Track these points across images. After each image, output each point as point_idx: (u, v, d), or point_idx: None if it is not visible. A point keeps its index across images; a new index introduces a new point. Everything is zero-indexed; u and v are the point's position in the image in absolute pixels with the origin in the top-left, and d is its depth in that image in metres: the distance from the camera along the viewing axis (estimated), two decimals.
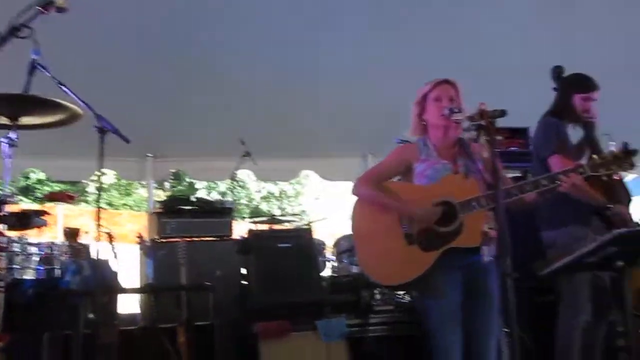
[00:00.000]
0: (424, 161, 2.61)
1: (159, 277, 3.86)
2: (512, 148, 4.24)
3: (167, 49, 4.67)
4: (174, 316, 3.46)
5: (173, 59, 4.79)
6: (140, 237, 3.94)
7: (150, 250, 3.99)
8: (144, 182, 7.13)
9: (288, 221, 5.45)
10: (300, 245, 3.68)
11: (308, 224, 5.02)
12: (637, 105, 5.60)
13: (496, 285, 2.15)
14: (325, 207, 14.09)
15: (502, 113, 2.02)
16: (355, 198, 2.72)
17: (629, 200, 3.58)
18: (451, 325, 2.45)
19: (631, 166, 2.32)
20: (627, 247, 2.11)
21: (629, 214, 3.41)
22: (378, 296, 4.38)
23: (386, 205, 2.61)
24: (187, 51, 4.72)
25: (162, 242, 4.18)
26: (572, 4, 4.50)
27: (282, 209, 16.30)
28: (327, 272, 5.08)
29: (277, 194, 17.03)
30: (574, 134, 3.70)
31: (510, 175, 4.25)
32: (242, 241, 3.85)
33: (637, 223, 3.35)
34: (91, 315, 3.01)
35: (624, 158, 2.30)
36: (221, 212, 4.42)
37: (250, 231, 3.90)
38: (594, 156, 2.37)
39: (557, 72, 3.74)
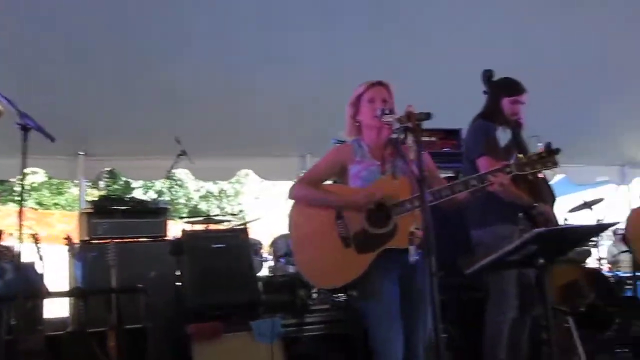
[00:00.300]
0: (358, 162, 2.62)
1: (88, 280, 3.74)
2: (446, 149, 4.35)
3: (99, 45, 4.52)
4: (103, 320, 3.37)
5: (106, 55, 4.64)
6: (68, 238, 3.80)
7: (80, 252, 3.86)
8: (77, 181, 6.88)
9: (224, 221, 5.39)
10: (235, 245, 3.65)
11: (243, 224, 4.98)
12: (561, 107, 5.87)
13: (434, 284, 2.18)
14: (265, 206, 14.03)
15: (428, 116, 2.07)
16: (291, 202, 2.71)
17: (553, 200, 3.75)
18: (388, 324, 2.48)
19: (554, 164, 2.41)
20: (546, 246, 2.21)
21: (553, 213, 3.57)
22: (315, 295, 4.42)
23: (326, 202, 2.61)
24: (121, 47, 4.59)
25: (93, 243, 4.05)
26: (503, 12, 4.65)
27: (222, 209, 16.10)
28: (264, 272, 5.07)
29: (216, 193, 16.81)
30: (504, 136, 3.85)
31: (443, 175, 4.38)
32: (175, 242, 3.78)
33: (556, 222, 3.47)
34: (13, 321, 2.88)
35: (548, 157, 2.40)
36: (155, 212, 4.32)
37: (184, 232, 3.84)
38: (520, 155, 2.46)
39: (487, 75, 3.86)
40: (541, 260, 2.23)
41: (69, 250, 3.86)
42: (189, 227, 4.79)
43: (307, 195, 2.66)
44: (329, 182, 2.86)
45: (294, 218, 2.68)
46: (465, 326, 3.83)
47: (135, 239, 4.22)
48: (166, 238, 4.27)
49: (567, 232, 2.48)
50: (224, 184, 16.23)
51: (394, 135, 2.25)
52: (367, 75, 2.90)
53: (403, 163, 2.43)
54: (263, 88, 5.11)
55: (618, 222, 5.79)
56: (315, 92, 4.98)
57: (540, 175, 3.52)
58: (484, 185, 2.45)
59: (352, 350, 3.64)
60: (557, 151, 2.36)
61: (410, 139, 2.03)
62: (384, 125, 2.37)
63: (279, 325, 3.50)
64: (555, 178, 7.57)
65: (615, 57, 5.21)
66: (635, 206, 4.08)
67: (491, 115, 3.64)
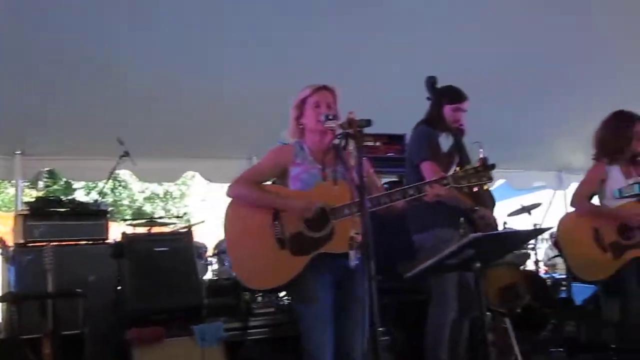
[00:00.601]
0: (299, 165, 2.63)
1: (22, 285, 3.60)
2: (390, 154, 4.41)
3: (38, 41, 4.35)
4: (38, 326, 3.25)
5: (46, 52, 4.48)
6: (1, 241, 3.65)
7: (14, 255, 3.72)
8: (13, 182, 6.61)
9: (168, 224, 5.30)
10: (177, 248, 3.59)
11: (187, 227, 4.91)
12: (500, 115, 6.06)
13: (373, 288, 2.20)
14: (211, 208, 13.84)
15: (368, 122, 2.10)
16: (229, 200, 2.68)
17: (493, 205, 3.86)
18: (322, 328, 2.49)
19: (489, 179, 2.47)
20: (483, 250, 2.28)
21: (493, 217, 3.67)
22: (259, 299, 4.40)
23: (264, 202, 2.59)
24: (61, 43, 4.43)
25: (28, 246, 3.91)
26: (447, 18, 4.75)
27: (167, 211, 15.80)
28: (208, 276, 5.01)
29: (161, 195, 16.47)
30: (447, 142, 3.95)
31: (387, 179, 4.46)
32: (116, 245, 3.69)
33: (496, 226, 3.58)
34: None
35: (484, 171, 2.46)
36: (95, 214, 4.21)
37: (124, 234, 3.75)
38: (457, 169, 2.53)
39: (430, 82, 3.94)
40: (478, 264, 2.30)
41: (2, 254, 3.72)
42: (130, 230, 4.68)
43: (245, 193, 2.63)
44: (268, 182, 2.84)
45: (230, 216, 2.65)
46: (407, 328, 3.90)
47: (74, 242, 4.09)
48: (107, 241, 4.16)
49: (503, 236, 2.56)
50: (169, 186, 15.92)
51: (336, 141, 2.26)
52: (313, 78, 2.92)
53: (344, 169, 2.45)
54: (208, 89, 5.04)
55: (551, 227, 6.03)
56: (261, 94, 4.96)
57: None
58: (421, 195, 2.49)
59: (297, 353, 3.64)
60: (492, 166, 2.44)
61: (351, 145, 2.05)
62: (327, 130, 2.38)
63: (221, 329, 3.47)
64: (496, 183, 7.83)
65: (552, 65, 5.40)
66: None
67: (434, 122, 3.72)
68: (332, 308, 2.54)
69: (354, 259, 2.02)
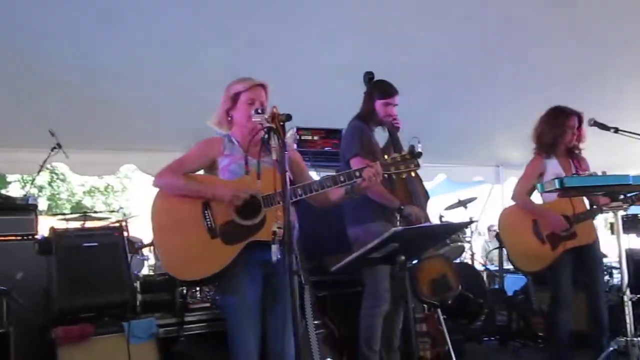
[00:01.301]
0: (227, 156, 2.63)
1: None
2: (327, 148, 4.44)
3: None
4: None
5: None
6: None
7: None
8: None
9: (103, 218, 5.17)
10: (108, 243, 3.50)
11: (119, 221, 4.81)
12: (440, 110, 6.19)
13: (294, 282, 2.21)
14: None
15: (288, 117, 2.13)
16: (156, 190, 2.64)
17: (427, 199, 3.96)
18: (249, 322, 2.50)
19: (417, 166, 2.52)
20: (407, 243, 2.33)
21: (424, 213, 3.76)
22: (197, 294, 4.35)
23: (193, 191, 2.56)
24: None
25: None
26: (385, 13, 4.80)
27: (108, 205, 15.39)
28: (145, 271, 4.93)
29: (102, 189, 16.04)
30: (384, 137, 4.00)
31: (324, 173, 4.48)
32: (43, 240, 3.56)
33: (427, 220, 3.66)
34: None
35: (411, 159, 2.51)
36: (23, 208, 4.04)
37: (52, 229, 3.62)
38: (385, 156, 2.57)
39: (367, 77, 4.00)
40: (402, 257, 2.35)
41: None
42: (62, 225, 4.54)
43: (172, 183, 2.58)
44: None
45: (157, 207, 2.60)
46: (343, 321, 3.95)
47: (1, 238, 3.93)
48: (36, 237, 4.01)
49: (424, 230, 2.62)
50: (110, 179, 15.54)
51: (263, 134, 2.26)
52: (250, 70, 2.90)
53: (270, 161, 2.46)
54: (148, 80, 4.93)
55: (474, 221, 6.25)
56: (199, 84, 4.90)
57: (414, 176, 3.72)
58: (352, 181, 2.52)
59: None
60: (419, 154, 2.49)
61: (274, 139, 2.06)
62: (256, 124, 2.36)
63: (154, 325, 3.41)
64: (438, 177, 8.01)
65: (490, 61, 5.54)
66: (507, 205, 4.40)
67: (366, 117, 3.78)
68: (260, 303, 2.54)
69: (276, 253, 2.02)
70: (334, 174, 2.60)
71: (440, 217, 6.10)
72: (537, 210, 3.96)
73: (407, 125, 4.07)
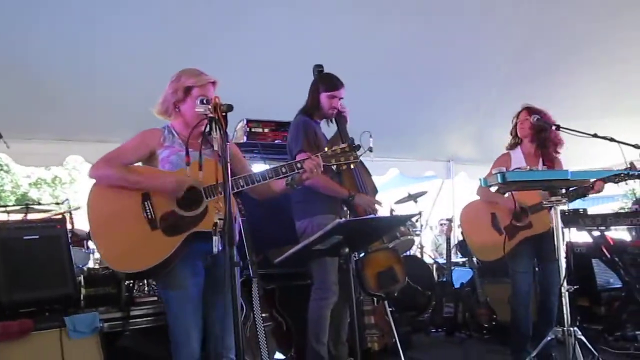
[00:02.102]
0: (168, 147, 2.58)
1: None
2: (277, 141, 4.42)
3: None
4: None
5: None
6: None
7: None
8: None
9: (46, 210, 5.02)
10: (50, 236, 3.39)
11: (62, 214, 4.67)
12: (393, 106, 6.26)
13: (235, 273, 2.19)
14: None
15: (229, 107, 2.11)
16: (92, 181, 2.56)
17: (375, 192, 4.00)
18: (192, 315, 2.48)
19: (355, 159, 2.56)
20: (350, 235, 2.34)
21: (372, 205, 3.79)
22: (146, 287, 4.28)
23: (131, 183, 2.49)
24: None
25: None
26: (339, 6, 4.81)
27: (55, 197, 14.92)
28: (90, 264, 4.81)
29: (49, 181, 15.55)
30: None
31: (275, 166, 4.47)
32: None
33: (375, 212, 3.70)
34: None
35: (350, 152, 2.55)
36: None
37: None
38: (326, 149, 2.59)
39: (317, 70, 3.99)
40: (346, 249, 2.37)
41: None
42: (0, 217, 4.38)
43: (109, 174, 2.50)
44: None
45: (93, 198, 2.52)
46: (291, 313, 3.96)
47: None
48: None
49: (368, 223, 2.65)
50: (58, 171, 15.08)
51: (204, 126, 2.24)
52: (196, 61, 2.86)
53: (211, 153, 2.45)
54: (87, 66, 4.79)
55: (417, 214, 6.38)
56: (147, 74, 4.79)
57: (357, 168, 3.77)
58: (294, 172, 2.53)
59: None
60: (357, 147, 2.53)
61: (216, 130, 2.04)
62: (199, 114, 2.32)
63: (97, 320, 3.33)
64: (391, 172, 8.10)
65: (441, 58, 5.63)
66: (466, 200, 4.55)
67: (311, 110, 3.78)
68: (201, 294, 2.52)
69: (217, 245, 2.01)
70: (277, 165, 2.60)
71: (391, 210, 6.18)
72: (492, 198, 4.12)
73: (358, 120, 4.10)
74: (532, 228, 3.95)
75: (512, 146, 4.22)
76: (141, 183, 2.49)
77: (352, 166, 2.55)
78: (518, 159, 4.10)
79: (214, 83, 2.66)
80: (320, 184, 3.51)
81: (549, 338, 3.32)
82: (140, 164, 2.66)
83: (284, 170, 2.52)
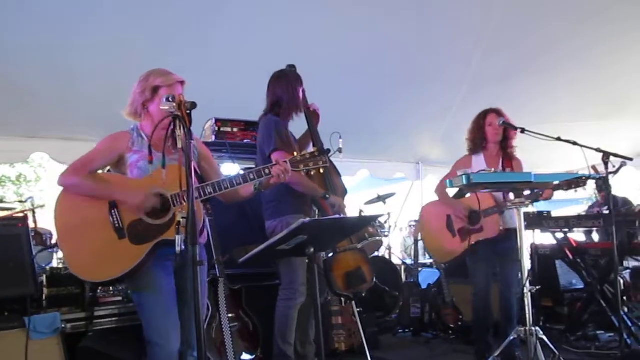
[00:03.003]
0: (136, 152, 2.55)
1: None
2: (246, 140, 4.40)
3: None
4: None
5: None
6: None
7: None
8: None
9: (6, 209, 4.91)
10: (10, 235, 3.30)
11: (23, 212, 4.58)
12: (363, 108, 6.29)
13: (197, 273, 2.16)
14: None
15: (194, 105, 2.09)
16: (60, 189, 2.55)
17: (345, 194, 4.01)
18: (168, 315, 2.46)
19: (325, 163, 2.57)
20: (316, 235, 2.35)
21: (344, 206, 3.82)
22: (110, 288, 4.21)
23: (99, 193, 2.48)
24: None
25: None
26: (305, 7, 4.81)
27: (20, 195, 14.57)
28: (54, 264, 4.71)
29: (13, 178, 15.18)
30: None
31: (244, 166, 4.45)
32: None
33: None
34: None
35: (320, 156, 2.57)
36: None
37: None
38: (295, 154, 2.60)
39: (289, 69, 3.98)
40: (312, 249, 2.37)
41: None
42: None
43: (76, 183, 2.50)
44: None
45: (61, 207, 2.51)
46: (258, 314, 3.94)
47: None
48: None
49: (333, 223, 2.66)
50: (23, 168, 14.76)
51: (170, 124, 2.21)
52: (169, 63, 2.83)
53: (177, 159, 2.44)
54: (58, 66, 4.71)
55: (383, 215, 6.44)
56: (116, 71, 4.73)
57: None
58: (264, 177, 2.54)
59: (142, 341, 3.55)
60: (327, 151, 2.55)
61: (180, 128, 2.02)
62: (164, 112, 2.29)
63: (58, 320, 3.27)
64: (361, 173, 8.13)
65: (410, 60, 5.67)
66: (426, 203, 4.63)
67: (286, 107, 3.78)
68: (174, 295, 2.51)
69: (180, 244, 1.99)
70: (243, 172, 2.61)
71: (360, 212, 6.20)
72: (447, 201, 4.21)
73: (328, 121, 4.12)
74: (482, 232, 4.02)
75: (474, 150, 4.24)
76: (113, 195, 2.48)
77: (321, 170, 2.57)
78: (479, 162, 4.14)
79: (182, 83, 2.64)
80: (298, 181, 3.51)
81: (511, 337, 3.38)
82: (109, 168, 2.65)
83: (252, 176, 2.53)
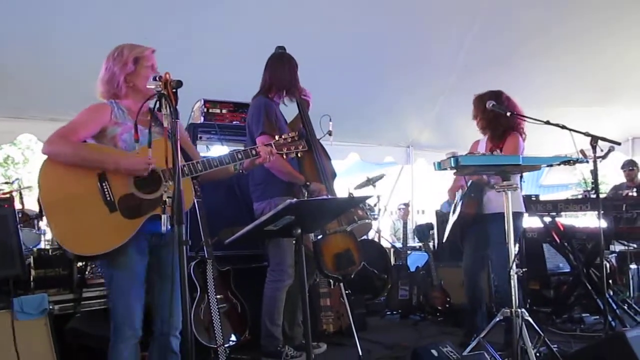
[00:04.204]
0: (119, 124, 2.48)
1: None
2: (235, 122, 4.37)
3: None
4: None
5: None
6: None
7: None
8: None
9: None
10: None
11: (9, 192, 4.55)
12: (354, 93, 6.27)
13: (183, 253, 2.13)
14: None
15: (179, 84, 2.06)
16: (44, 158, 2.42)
17: (334, 177, 4.01)
18: (135, 295, 2.42)
19: (304, 147, 2.66)
20: (302, 216, 2.35)
21: (331, 189, 3.81)
22: (99, 269, 4.20)
23: (92, 161, 2.38)
24: None
25: None
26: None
27: (8, 177, 14.46)
28: (41, 245, 4.70)
29: (0, 160, 15.04)
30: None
31: (233, 148, 4.44)
32: None
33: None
34: None
35: (299, 140, 2.62)
36: None
37: None
38: (276, 137, 2.62)
39: (279, 51, 3.95)
40: (299, 230, 2.37)
41: None
42: None
43: (66, 152, 2.36)
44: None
45: (46, 179, 2.38)
46: (247, 295, 3.95)
47: None
48: None
49: (320, 204, 2.66)
50: (11, 150, 14.64)
51: (151, 103, 2.18)
52: (157, 44, 2.80)
53: (160, 132, 2.41)
54: (44, 46, 4.64)
55: (371, 197, 6.46)
56: (100, 56, 4.66)
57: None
58: (252, 157, 2.56)
59: None
60: (304, 136, 2.59)
61: (165, 106, 2.00)
62: (150, 91, 2.25)
63: (46, 302, 3.26)
64: (351, 157, 8.13)
65: (400, 48, 5.65)
66: (424, 186, 4.70)
67: (288, 88, 3.77)
68: (144, 275, 2.48)
69: (166, 224, 1.97)
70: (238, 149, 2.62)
71: (350, 195, 6.20)
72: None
73: (319, 104, 4.10)
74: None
75: (483, 133, 4.27)
76: (105, 162, 2.38)
77: (299, 155, 2.61)
78: (482, 145, 4.20)
79: (153, 51, 2.61)
80: (277, 168, 3.52)
81: (497, 319, 3.41)
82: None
83: (239, 156, 2.54)
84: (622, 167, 7.03)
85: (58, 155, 2.38)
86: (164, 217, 1.96)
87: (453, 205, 4.39)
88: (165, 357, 2.54)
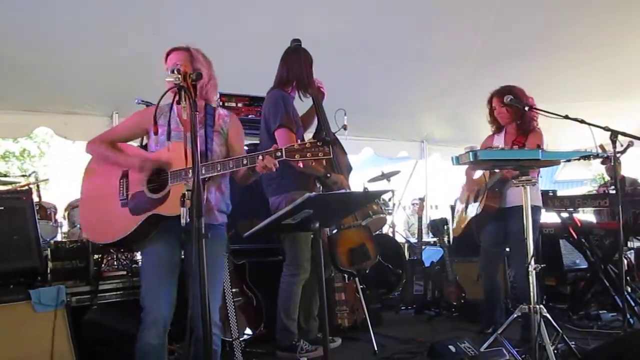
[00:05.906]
0: (161, 126, 2.53)
1: None
2: (250, 116, 4.36)
3: None
4: None
5: None
6: None
7: None
8: None
9: (10, 182, 4.91)
10: (14, 208, 3.30)
11: (27, 185, 4.58)
12: (369, 87, 6.24)
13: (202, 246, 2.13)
14: (75, 169, 12.97)
15: (199, 76, 2.07)
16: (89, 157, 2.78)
17: (349, 171, 4.00)
18: (159, 281, 2.48)
19: (325, 155, 2.33)
20: (321, 210, 2.33)
21: (347, 183, 3.80)
22: (115, 262, 4.22)
23: (113, 160, 2.67)
24: None
25: None
26: None
27: (24, 170, 14.57)
28: (58, 238, 4.73)
29: (17, 154, 15.18)
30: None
31: (248, 142, 4.44)
32: None
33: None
34: None
35: (321, 147, 2.32)
36: None
37: None
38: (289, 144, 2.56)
39: (295, 44, 3.94)
40: (317, 224, 2.36)
41: None
42: None
43: (99, 151, 2.71)
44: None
45: (86, 172, 2.76)
46: (263, 289, 3.96)
47: None
48: None
49: (339, 197, 2.64)
50: (27, 144, 14.77)
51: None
52: (171, 37, 2.81)
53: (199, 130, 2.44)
54: (61, 40, 4.66)
55: (388, 191, 6.43)
56: (117, 49, 4.68)
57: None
58: (254, 165, 2.39)
59: None
60: (328, 143, 2.37)
61: (184, 99, 2.00)
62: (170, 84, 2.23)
63: (63, 293, 3.28)
64: (365, 151, 8.10)
65: (415, 42, 5.61)
66: (439, 181, 4.76)
67: (301, 83, 3.75)
68: (173, 266, 2.54)
69: (185, 217, 1.98)
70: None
71: (365, 189, 6.19)
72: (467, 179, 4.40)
73: (334, 98, 4.08)
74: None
75: (496, 130, 4.25)
76: (117, 161, 2.67)
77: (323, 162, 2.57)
78: (499, 141, 4.16)
79: (174, 49, 2.70)
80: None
81: (515, 315, 3.38)
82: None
83: (244, 162, 2.38)
84: None
85: (91, 153, 2.77)
86: (182, 210, 1.97)
87: (465, 202, 4.37)
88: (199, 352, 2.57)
